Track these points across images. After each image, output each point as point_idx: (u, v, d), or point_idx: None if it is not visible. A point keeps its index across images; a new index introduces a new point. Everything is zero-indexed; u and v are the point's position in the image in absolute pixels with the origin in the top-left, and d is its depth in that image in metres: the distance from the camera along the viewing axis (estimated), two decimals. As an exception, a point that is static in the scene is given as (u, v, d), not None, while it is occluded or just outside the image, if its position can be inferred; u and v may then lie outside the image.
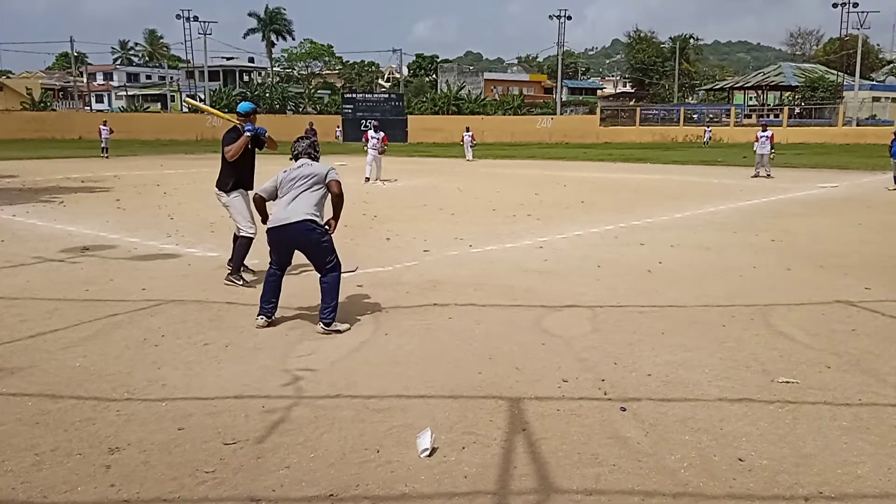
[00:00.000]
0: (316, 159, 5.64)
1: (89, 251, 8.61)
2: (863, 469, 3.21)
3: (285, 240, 5.33)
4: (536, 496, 2.98)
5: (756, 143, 21.34)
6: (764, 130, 21.42)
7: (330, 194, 5.44)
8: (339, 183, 5.46)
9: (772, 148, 21.03)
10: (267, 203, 5.68)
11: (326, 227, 5.39)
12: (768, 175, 20.80)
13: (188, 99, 7.65)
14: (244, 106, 7.07)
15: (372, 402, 3.94)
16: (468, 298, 6.29)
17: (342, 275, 5.49)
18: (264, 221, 5.60)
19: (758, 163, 21.25)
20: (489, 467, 3.22)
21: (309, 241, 5.29)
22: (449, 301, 6.18)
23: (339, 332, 5.22)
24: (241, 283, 6.68)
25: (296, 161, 5.59)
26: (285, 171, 5.51)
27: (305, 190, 5.34)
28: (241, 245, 6.84)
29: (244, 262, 6.92)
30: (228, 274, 6.81)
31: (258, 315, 5.41)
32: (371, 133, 19.72)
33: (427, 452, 3.30)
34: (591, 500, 2.95)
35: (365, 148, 20.00)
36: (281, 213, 5.31)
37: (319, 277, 5.36)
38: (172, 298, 6.23)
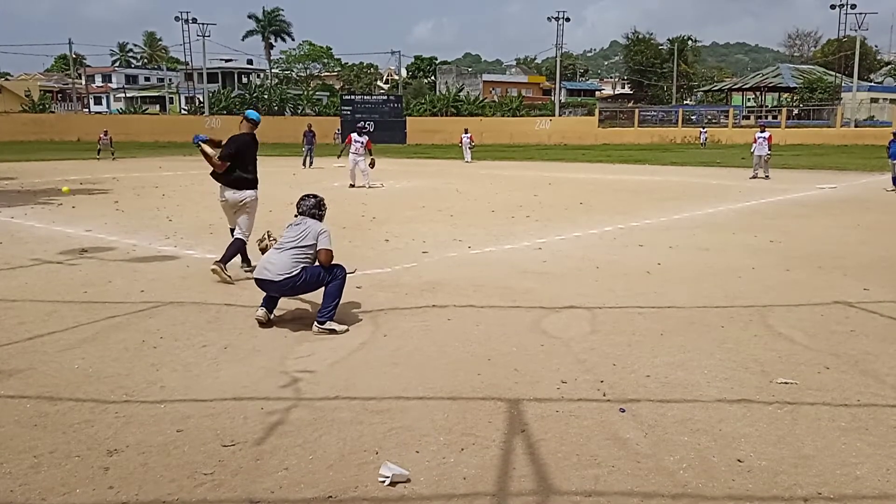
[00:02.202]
0: (319, 219, 5.64)
1: (88, 253, 8.60)
2: (861, 470, 3.21)
3: (272, 290, 5.43)
4: (535, 497, 2.98)
5: (754, 145, 21.40)
6: (762, 131, 21.48)
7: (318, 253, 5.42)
8: (328, 253, 5.38)
9: (769, 149, 21.08)
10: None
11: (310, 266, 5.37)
12: (766, 176, 20.83)
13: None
14: (250, 113, 7.37)
15: (371, 404, 3.94)
16: (467, 300, 6.29)
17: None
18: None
19: (756, 164, 21.29)
20: (488, 469, 3.21)
21: (295, 289, 5.39)
22: (448, 302, 6.18)
23: (334, 332, 5.22)
24: (227, 274, 6.71)
25: (298, 217, 5.64)
26: (288, 226, 5.60)
27: (293, 248, 5.36)
28: (233, 245, 6.96)
29: (242, 257, 7.12)
30: (217, 261, 6.82)
31: (260, 307, 5.46)
32: (354, 136, 18.04)
33: (402, 477, 3.10)
34: (591, 502, 2.95)
35: (347, 152, 18.32)
36: (264, 266, 5.38)
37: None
38: (171, 300, 6.23)
